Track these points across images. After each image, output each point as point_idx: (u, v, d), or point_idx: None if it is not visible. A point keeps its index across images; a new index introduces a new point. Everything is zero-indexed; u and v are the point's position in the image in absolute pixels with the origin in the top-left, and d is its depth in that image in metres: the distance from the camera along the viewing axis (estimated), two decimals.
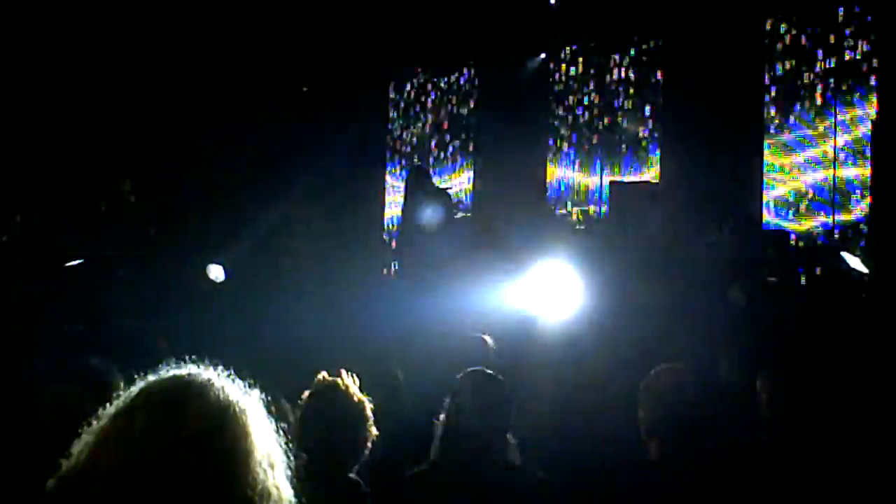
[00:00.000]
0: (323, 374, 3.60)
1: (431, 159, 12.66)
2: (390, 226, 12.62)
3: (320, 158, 11.64)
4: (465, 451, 3.70)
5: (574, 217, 10.77)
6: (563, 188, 11.29)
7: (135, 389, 1.71)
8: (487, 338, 5.78)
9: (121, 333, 7.29)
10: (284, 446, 1.74)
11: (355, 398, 3.52)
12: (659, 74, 10.58)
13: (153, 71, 11.31)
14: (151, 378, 1.72)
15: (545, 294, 7.61)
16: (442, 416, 3.85)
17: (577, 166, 11.22)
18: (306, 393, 3.62)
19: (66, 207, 9.84)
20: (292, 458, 3.51)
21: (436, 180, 11.05)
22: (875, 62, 8.92)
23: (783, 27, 9.64)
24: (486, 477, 3.66)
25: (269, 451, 1.65)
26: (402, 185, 10.98)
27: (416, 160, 12.71)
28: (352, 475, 3.51)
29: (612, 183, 10.06)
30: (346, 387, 3.53)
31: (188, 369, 1.72)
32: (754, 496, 3.49)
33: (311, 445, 3.44)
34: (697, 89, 9.78)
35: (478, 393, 3.81)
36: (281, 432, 1.78)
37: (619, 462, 3.91)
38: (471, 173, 12.21)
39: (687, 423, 3.46)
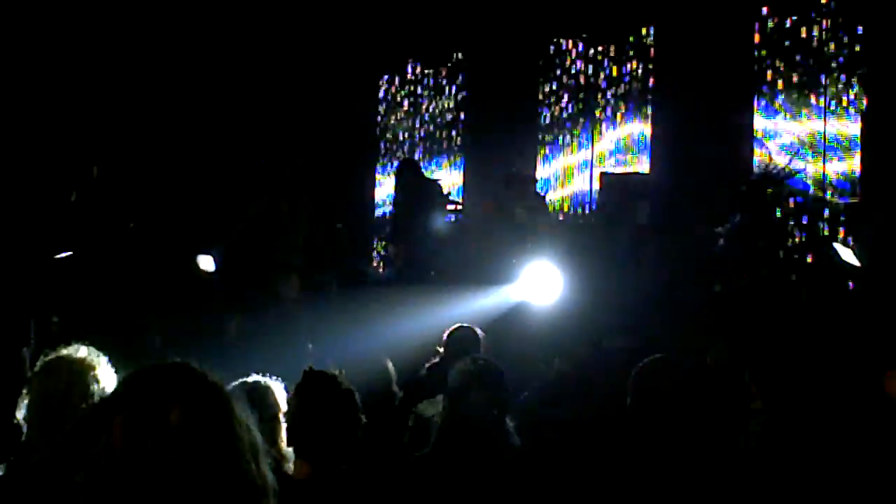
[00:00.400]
0: (310, 366, 3.60)
1: (420, 151, 12.65)
2: (381, 218, 12.62)
3: (309, 150, 11.61)
4: (465, 437, 3.72)
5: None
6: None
7: (120, 379, 1.71)
8: (478, 329, 5.82)
9: (113, 326, 7.28)
10: (271, 436, 1.74)
11: (344, 387, 3.53)
12: (651, 65, 10.59)
13: (139, 60, 11.23)
14: (137, 368, 1.72)
15: (535, 288, 7.64)
16: (441, 404, 3.88)
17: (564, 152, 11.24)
18: (295, 384, 3.62)
19: (37, 196, 9.75)
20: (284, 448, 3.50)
21: (426, 172, 11.03)
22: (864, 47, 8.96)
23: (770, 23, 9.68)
24: (488, 461, 3.69)
25: (253, 441, 1.65)
26: (391, 178, 10.98)
27: (405, 152, 12.71)
28: (344, 465, 3.51)
29: (602, 174, 10.07)
30: (335, 377, 3.54)
31: (173, 360, 1.71)
32: (738, 485, 3.50)
33: (302, 435, 3.45)
34: (689, 79, 9.80)
35: (476, 379, 3.84)
36: (269, 422, 1.78)
37: (606, 448, 3.93)
38: (460, 169, 12.22)
39: (673, 413, 3.48)
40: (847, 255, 7.40)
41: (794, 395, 4.45)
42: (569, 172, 11.26)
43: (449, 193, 10.41)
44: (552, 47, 11.42)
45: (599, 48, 11.00)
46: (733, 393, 4.68)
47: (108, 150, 10.51)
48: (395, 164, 11.89)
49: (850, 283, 7.57)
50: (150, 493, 1.54)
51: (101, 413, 1.62)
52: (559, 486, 3.85)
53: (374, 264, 11.55)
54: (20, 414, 3.17)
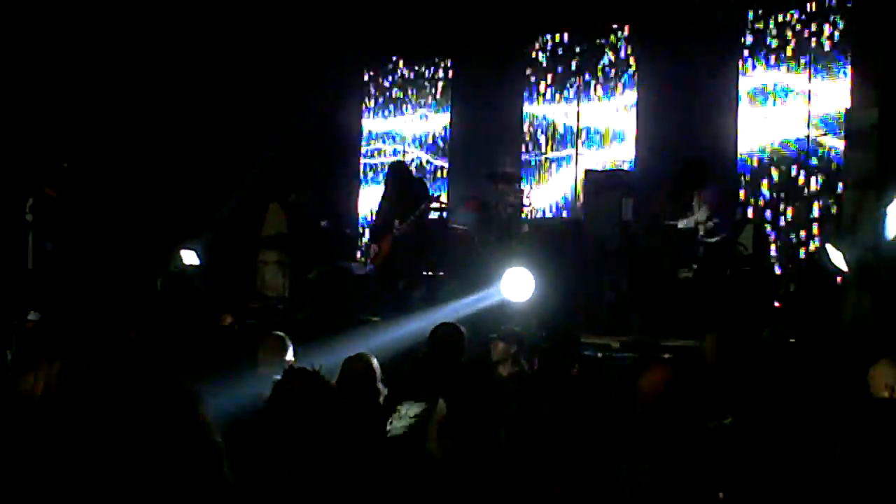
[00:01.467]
0: (290, 364, 3.57)
1: (406, 146, 12.65)
2: (367, 219, 12.59)
3: (291, 147, 11.57)
4: (456, 443, 3.72)
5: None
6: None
7: (96, 381, 1.69)
8: (461, 326, 5.79)
9: (90, 324, 7.22)
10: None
11: (326, 386, 3.49)
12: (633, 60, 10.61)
13: (116, 55, 11.15)
14: (113, 370, 1.69)
15: (513, 289, 7.67)
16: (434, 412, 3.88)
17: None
18: (275, 384, 3.58)
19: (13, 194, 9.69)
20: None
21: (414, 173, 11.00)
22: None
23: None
24: (477, 467, 3.68)
25: (217, 443, 1.64)
26: (381, 177, 10.97)
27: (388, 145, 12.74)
28: (325, 463, 3.47)
29: (586, 171, 10.08)
30: (315, 374, 3.50)
31: (148, 362, 1.69)
32: (726, 482, 3.50)
33: (283, 434, 3.41)
34: (672, 71, 9.83)
35: (465, 386, 3.84)
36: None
37: (593, 446, 3.93)
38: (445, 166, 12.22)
39: (662, 412, 3.48)
40: (837, 258, 7.39)
41: (776, 390, 4.46)
42: (552, 170, 11.29)
43: (437, 196, 10.38)
44: (537, 43, 11.44)
45: (585, 44, 11.01)
46: (722, 387, 4.69)
47: (86, 147, 10.46)
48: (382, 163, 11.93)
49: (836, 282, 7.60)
50: (126, 488, 1.52)
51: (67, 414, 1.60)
52: (546, 486, 3.85)
53: (358, 261, 11.50)
54: None
